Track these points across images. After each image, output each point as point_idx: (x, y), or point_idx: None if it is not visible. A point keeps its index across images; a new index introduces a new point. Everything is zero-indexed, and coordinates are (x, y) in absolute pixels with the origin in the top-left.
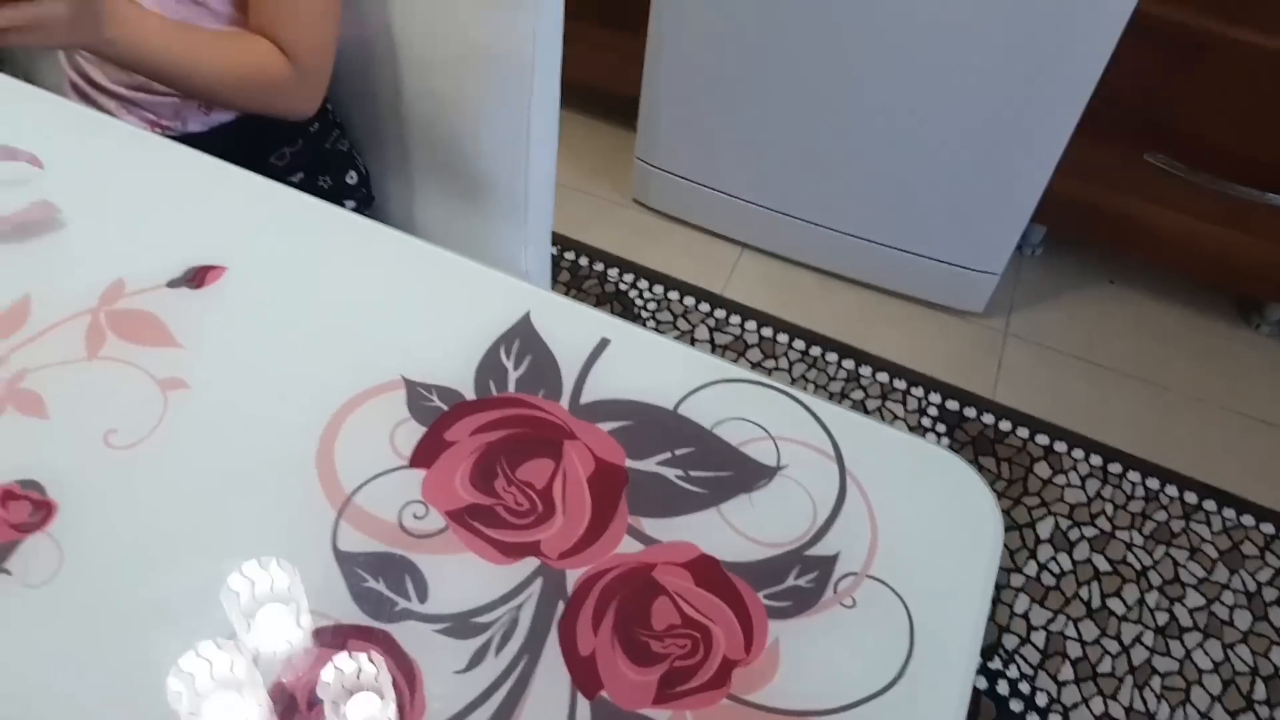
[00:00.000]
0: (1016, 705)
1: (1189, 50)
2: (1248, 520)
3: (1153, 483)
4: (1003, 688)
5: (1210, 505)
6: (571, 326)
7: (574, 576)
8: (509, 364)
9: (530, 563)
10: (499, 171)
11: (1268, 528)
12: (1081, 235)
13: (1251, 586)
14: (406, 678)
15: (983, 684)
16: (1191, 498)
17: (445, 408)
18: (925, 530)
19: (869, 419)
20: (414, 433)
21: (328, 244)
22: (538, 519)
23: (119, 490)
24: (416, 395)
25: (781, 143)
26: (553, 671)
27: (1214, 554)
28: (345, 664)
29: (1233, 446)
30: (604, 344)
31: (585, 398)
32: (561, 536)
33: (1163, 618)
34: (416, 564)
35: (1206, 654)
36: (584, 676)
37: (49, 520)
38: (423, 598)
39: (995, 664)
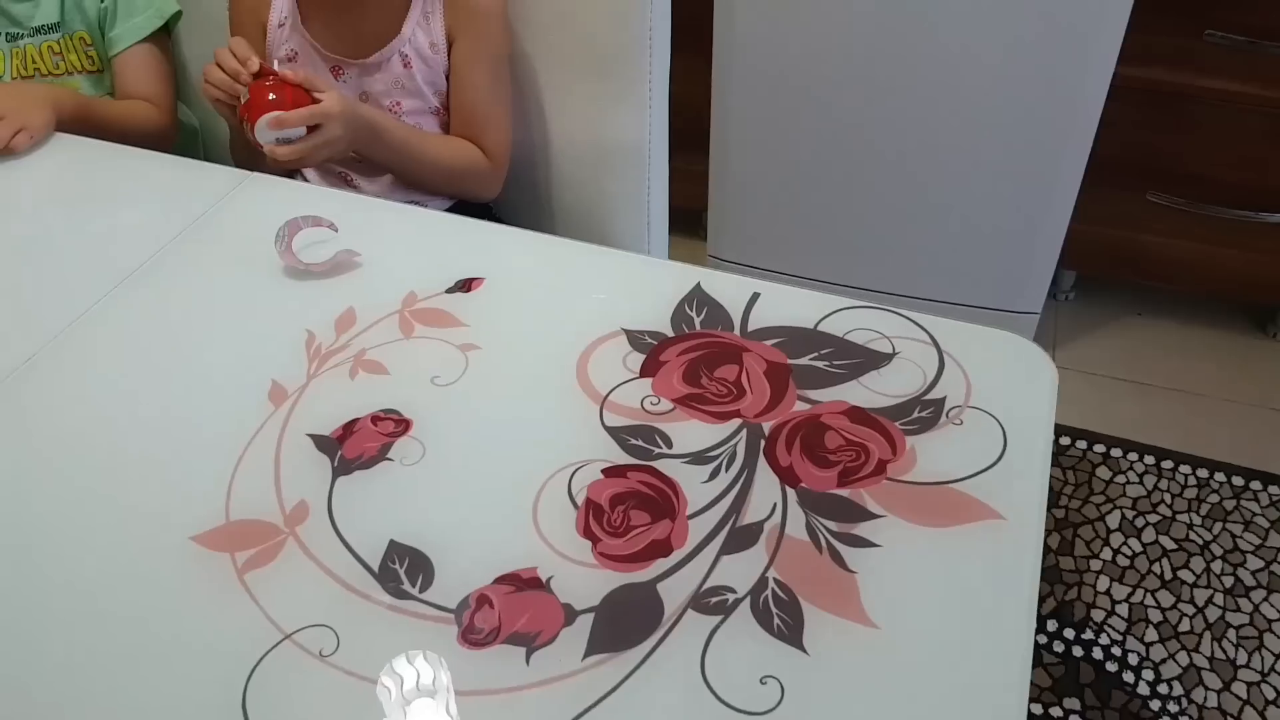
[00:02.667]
0: (1112, 666)
1: (1169, 101)
2: None
3: (1202, 472)
4: (1097, 654)
5: (1256, 485)
6: (731, 288)
7: (767, 427)
8: (692, 313)
9: (735, 422)
10: (626, 234)
11: None
12: (1106, 275)
13: None
14: (671, 489)
15: (1079, 652)
16: (1239, 481)
17: (655, 343)
18: (1004, 379)
19: (958, 321)
20: (637, 359)
21: (552, 256)
22: (734, 398)
23: (450, 409)
24: (635, 338)
25: (842, 223)
26: (765, 475)
27: (1265, 524)
28: None
29: (1267, 436)
30: (755, 296)
31: (750, 328)
32: (752, 406)
33: (1229, 580)
34: (660, 428)
35: (1272, 605)
36: (787, 476)
37: (409, 429)
38: (669, 445)
39: (1088, 635)
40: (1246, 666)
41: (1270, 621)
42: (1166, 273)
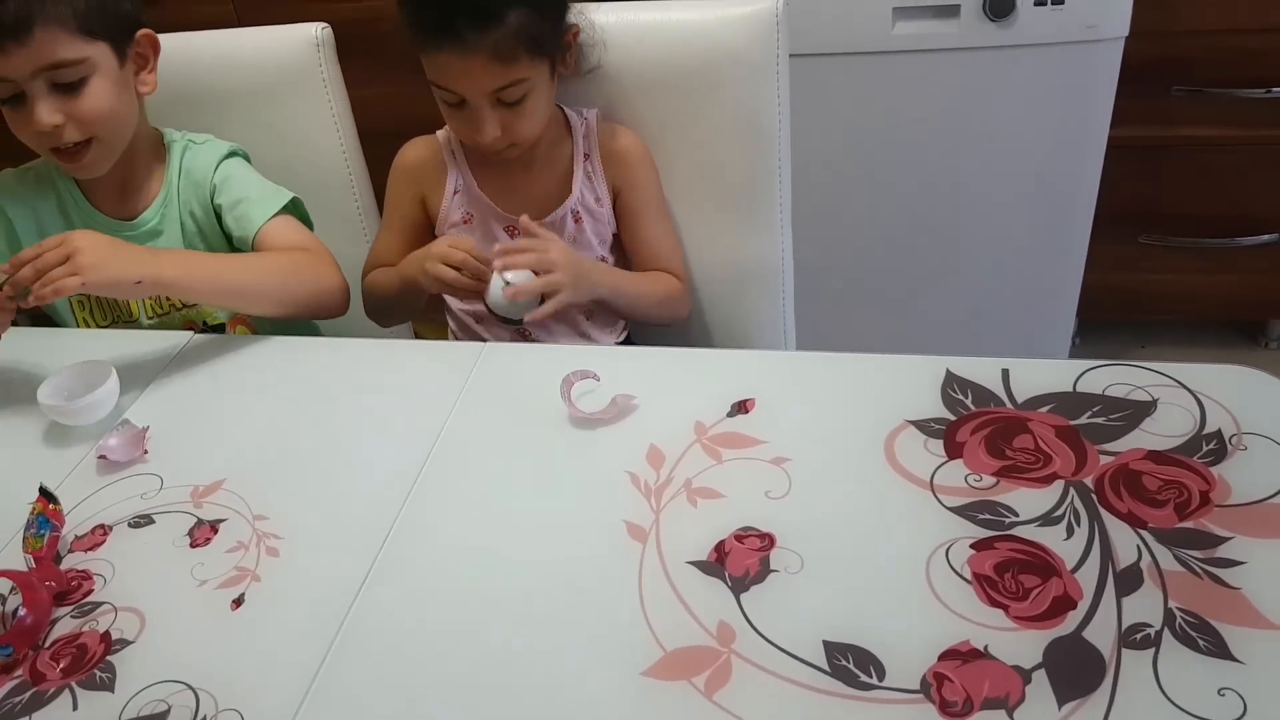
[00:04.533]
0: None
1: (1149, 152)
2: None
3: None
4: None
5: None
6: (980, 369)
7: (1090, 481)
8: (959, 396)
9: (1059, 483)
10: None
11: None
12: (1108, 316)
13: None
14: (1042, 550)
15: None
16: None
17: (943, 427)
18: (1256, 403)
19: (1195, 366)
20: (936, 444)
21: (797, 369)
22: (1044, 463)
23: (798, 517)
24: (923, 425)
25: (897, 303)
26: (1114, 524)
27: None
28: None
29: None
30: (1006, 371)
31: (1019, 399)
32: (1065, 467)
33: None
34: (996, 500)
35: None
36: (1133, 520)
37: (774, 543)
38: (1015, 514)
39: None
40: None
41: None
42: (1163, 306)
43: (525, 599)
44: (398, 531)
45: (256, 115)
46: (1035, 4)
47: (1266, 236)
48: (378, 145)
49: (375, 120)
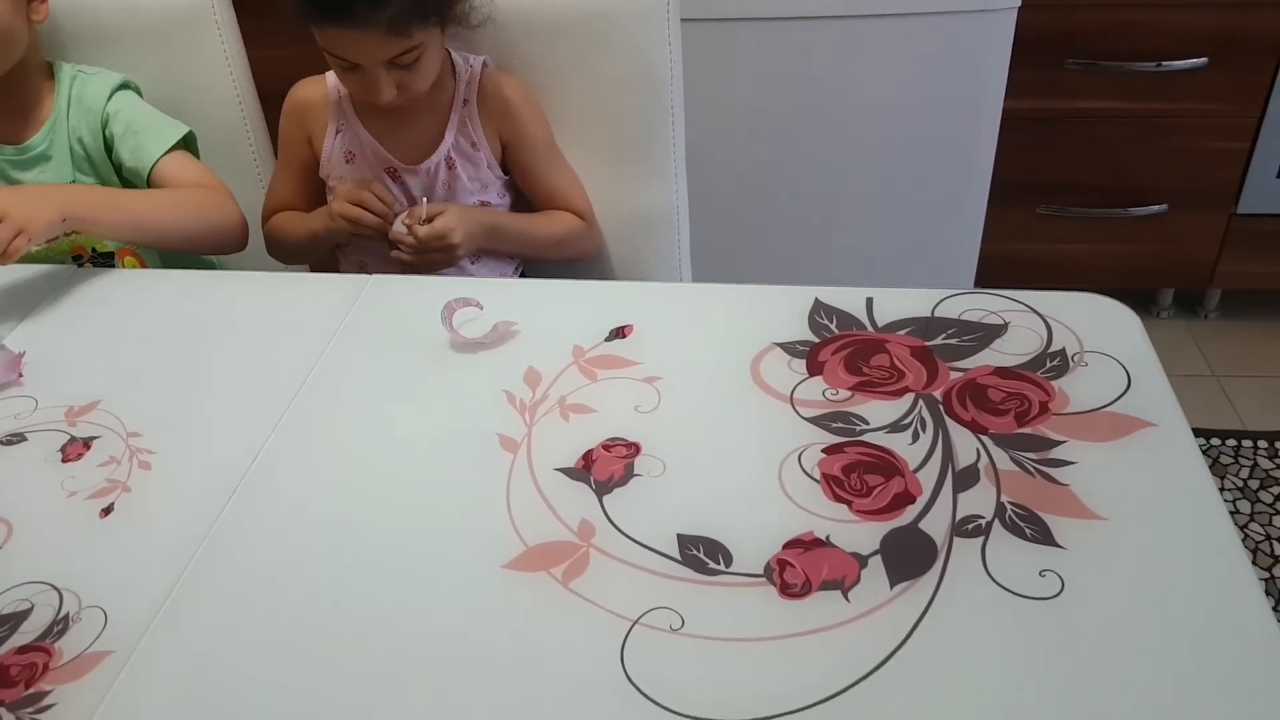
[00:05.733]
0: None
1: (1044, 124)
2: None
3: None
4: None
5: None
6: (846, 297)
7: (938, 394)
8: (825, 321)
9: (909, 395)
10: None
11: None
12: (1008, 284)
13: None
14: (888, 454)
15: None
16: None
17: (807, 349)
18: (1101, 325)
19: (1045, 292)
20: (799, 364)
21: (675, 299)
22: (897, 379)
23: (665, 428)
24: (789, 347)
25: (792, 245)
26: (957, 430)
27: None
28: None
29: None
30: (871, 301)
31: (880, 324)
32: (916, 382)
33: None
34: (851, 411)
35: None
36: (975, 427)
37: (640, 450)
38: (866, 423)
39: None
40: None
41: None
42: (1060, 275)
43: (391, 505)
44: (273, 446)
45: (149, 55)
46: None
47: (1156, 207)
48: (272, 108)
49: (269, 82)
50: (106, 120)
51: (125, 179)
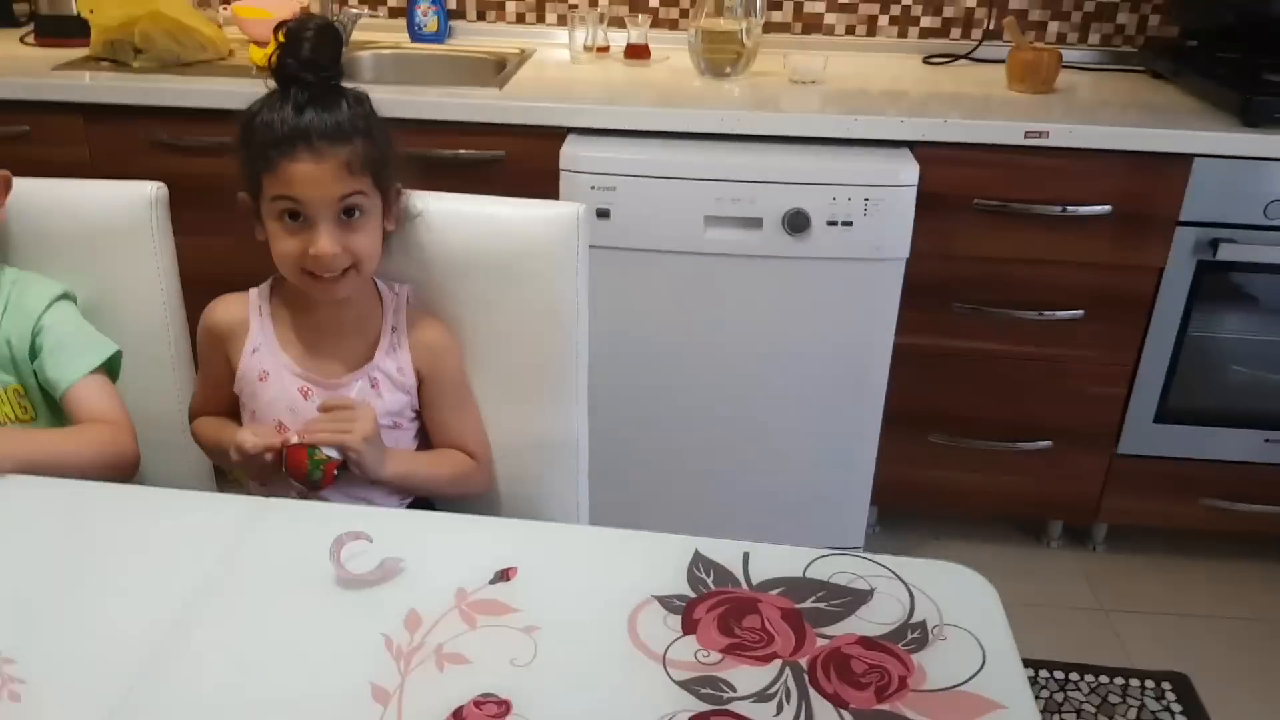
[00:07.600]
0: None
1: (934, 360)
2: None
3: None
4: None
5: (1045, 675)
6: (724, 550)
7: (804, 662)
8: (702, 574)
9: (776, 662)
10: (561, 518)
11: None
12: (905, 508)
13: None
14: None
15: None
16: (1060, 674)
17: (684, 604)
18: (960, 597)
19: (911, 560)
20: (675, 620)
21: (563, 542)
22: (766, 642)
23: (537, 685)
24: (666, 602)
25: (692, 488)
26: (820, 704)
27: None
28: None
29: (1050, 632)
30: (747, 555)
31: (754, 581)
32: (784, 647)
33: None
34: (720, 676)
35: None
36: (837, 701)
37: (510, 709)
38: (734, 690)
39: None
40: None
41: None
42: (951, 501)
43: None
44: (143, 684)
45: (87, 259)
46: (828, 224)
47: (1042, 443)
48: (204, 295)
49: (206, 268)
50: (39, 330)
51: (41, 386)
